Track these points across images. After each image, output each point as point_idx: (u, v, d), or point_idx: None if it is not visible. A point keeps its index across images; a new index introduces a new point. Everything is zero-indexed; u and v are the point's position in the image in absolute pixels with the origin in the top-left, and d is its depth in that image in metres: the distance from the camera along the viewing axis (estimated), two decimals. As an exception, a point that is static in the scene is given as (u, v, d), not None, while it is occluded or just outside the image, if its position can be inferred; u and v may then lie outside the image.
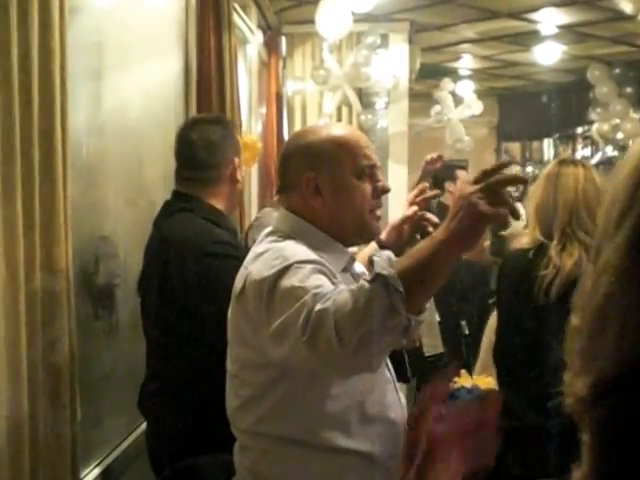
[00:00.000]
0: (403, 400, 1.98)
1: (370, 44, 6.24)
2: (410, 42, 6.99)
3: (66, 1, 2.09)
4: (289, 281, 1.62)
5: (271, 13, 6.37)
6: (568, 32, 7.30)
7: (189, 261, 2.37)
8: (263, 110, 6.35)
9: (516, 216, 1.50)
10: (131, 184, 3.13)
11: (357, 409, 1.80)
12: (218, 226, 2.49)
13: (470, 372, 4.40)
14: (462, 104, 8.88)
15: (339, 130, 1.95)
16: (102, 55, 2.84)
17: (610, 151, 9.29)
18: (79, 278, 2.46)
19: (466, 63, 8.90)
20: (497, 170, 1.51)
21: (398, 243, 2.22)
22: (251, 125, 5.75)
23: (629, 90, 8.56)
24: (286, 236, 1.85)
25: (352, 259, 1.97)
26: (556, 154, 10.75)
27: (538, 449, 2.63)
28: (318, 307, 1.52)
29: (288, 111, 6.76)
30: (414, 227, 2.21)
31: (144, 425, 2.76)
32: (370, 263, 1.53)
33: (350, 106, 6.66)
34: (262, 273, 1.69)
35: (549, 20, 6.88)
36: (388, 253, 1.58)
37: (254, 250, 1.85)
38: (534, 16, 6.76)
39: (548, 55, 7.83)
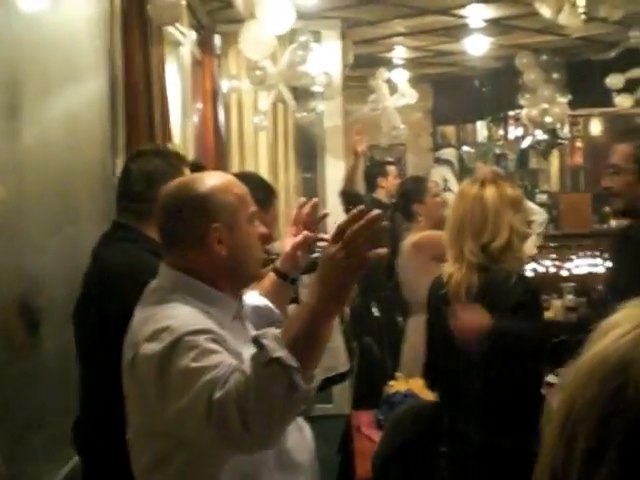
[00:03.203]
0: (307, 434, 2.00)
1: (303, 42, 6.30)
2: (343, 37, 7.09)
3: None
4: (182, 360, 1.60)
5: (203, 13, 6.40)
6: (495, 25, 7.48)
7: (129, 294, 2.26)
8: (199, 110, 6.40)
9: (380, 255, 1.55)
10: (55, 216, 3.09)
11: (261, 464, 1.80)
12: (158, 257, 2.50)
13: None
14: (397, 92, 9.00)
15: (224, 179, 1.96)
16: (17, 86, 2.77)
17: (540, 134, 9.53)
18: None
19: (399, 53, 9.02)
20: (351, 222, 1.55)
21: (294, 269, 2.26)
22: (186, 128, 5.80)
23: (556, 76, 8.79)
24: (171, 291, 1.84)
25: (241, 307, 1.98)
26: (489, 135, 10.97)
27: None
28: (218, 395, 1.52)
29: (224, 109, 6.81)
30: (308, 250, 2.23)
31: (71, 464, 2.77)
32: (257, 344, 1.54)
33: (286, 102, 6.73)
34: (151, 347, 1.67)
35: (476, 15, 7.06)
36: (272, 330, 1.58)
37: (139, 315, 1.84)
38: (461, 12, 6.92)
39: (477, 46, 8.01)
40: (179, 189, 1.93)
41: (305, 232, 2.22)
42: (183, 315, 1.75)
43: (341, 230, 1.56)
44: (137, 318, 1.83)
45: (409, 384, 3.88)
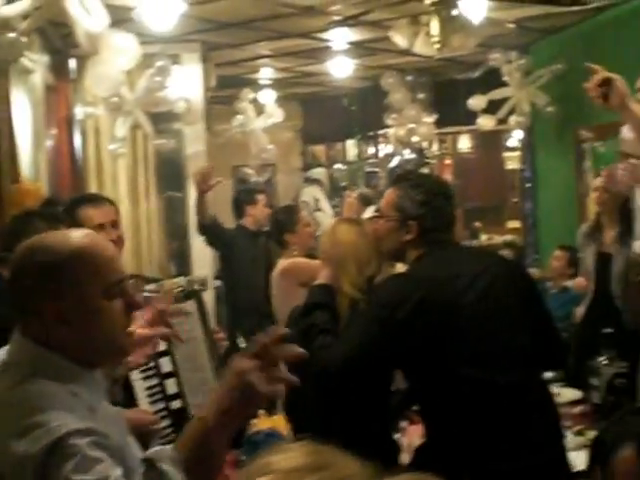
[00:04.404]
0: None
1: (161, 67, 6.12)
2: (204, 60, 6.94)
3: None
4: (62, 471, 1.40)
5: (57, 37, 6.13)
6: (359, 47, 7.51)
7: None
8: (53, 137, 6.13)
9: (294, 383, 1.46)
10: None
11: None
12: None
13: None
14: (264, 113, 8.92)
15: (82, 243, 1.63)
16: None
17: (407, 154, 9.63)
18: None
19: (266, 74, 8.95)
20: (275, 342, 1.45)
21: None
22: (38, 157, 5.52)
23: (421, 96, 8.94)
24: (30, 371, 1.55)
25: (109, 387, 1.84)
26: (360, 153, 11.01)
27: None
28: None
29: (81, 136, 6.54)
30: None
31: None
32: (151, 466, 1.43)
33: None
34: (23, 447, 1.43)
35: (339, 38, 7.08)
36: (167, 452, 1.46)
37: None
38: (324, 35, 6.92)
39: (342, 67, 8.02)
40: (27, 251, 1.63)
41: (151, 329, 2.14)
42: (57, 409, 1.49)
43: (263, 348, 1.44)
44: None
45: (273, 422, 3.80)
